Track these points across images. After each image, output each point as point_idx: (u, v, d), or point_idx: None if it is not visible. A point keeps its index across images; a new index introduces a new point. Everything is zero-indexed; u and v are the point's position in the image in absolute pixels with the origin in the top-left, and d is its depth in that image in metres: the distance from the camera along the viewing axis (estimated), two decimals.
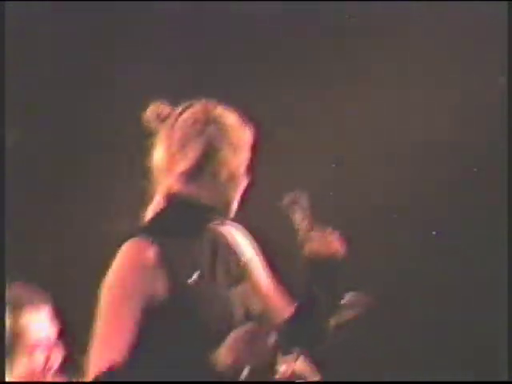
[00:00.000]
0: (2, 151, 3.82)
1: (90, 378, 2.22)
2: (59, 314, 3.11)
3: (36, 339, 3.19)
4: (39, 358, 3.36)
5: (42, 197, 4.24)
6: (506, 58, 5.73)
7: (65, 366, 3.43)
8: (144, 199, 2.41)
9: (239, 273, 2.38)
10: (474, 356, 4.42)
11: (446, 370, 4.33)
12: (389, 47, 5.69)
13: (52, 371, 3.61)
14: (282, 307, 2.39)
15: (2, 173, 3.75)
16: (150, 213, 2.37)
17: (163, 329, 2.24)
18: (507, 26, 5.79)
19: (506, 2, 6.09)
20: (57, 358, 3.23)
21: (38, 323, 3.16)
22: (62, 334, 3.21)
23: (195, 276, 2.24)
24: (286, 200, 2.43)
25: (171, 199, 2.34)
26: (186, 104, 2.36)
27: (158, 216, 2.34)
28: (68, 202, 4.20)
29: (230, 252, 2.40)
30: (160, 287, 2.22)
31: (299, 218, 2.38)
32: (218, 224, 2.37)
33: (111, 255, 2.27)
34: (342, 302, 2.45)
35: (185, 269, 2.25)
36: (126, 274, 2.24)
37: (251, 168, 2.40)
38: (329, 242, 2.33)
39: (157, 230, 2.29)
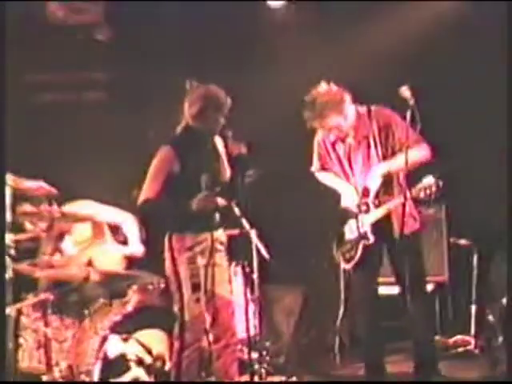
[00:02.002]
0: (2, 150, 5.32)
1: (138, 203, 5.15)
2: None
3: None
4: None
5: None
6: (506, 57, 6.28)
7: None
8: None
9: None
10: None
11: None
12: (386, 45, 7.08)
13: None
14: None
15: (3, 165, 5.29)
16: (176, 131, 5.26)
17: (174, 187, 5.09)
18: (507, 26, 6.16)
19: (505, 2, 6.28)
20: None
21: None
22: None
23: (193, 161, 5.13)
24: None
25: (185, 127, 5.23)
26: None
27: (177, 133, 5.26)
28: None
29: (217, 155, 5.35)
30: (175, 168, 5.10)
31: None
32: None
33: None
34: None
35: (189, 160, 5.12)
36: (160, 160, 5.17)
37: None
38: None
39: (176, 140, 5.22)
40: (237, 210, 5.13)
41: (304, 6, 7.27)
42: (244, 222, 5.12)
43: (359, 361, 6.25)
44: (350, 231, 5.86)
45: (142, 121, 6.98)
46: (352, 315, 6.27)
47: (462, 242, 6.80)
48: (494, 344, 6.25)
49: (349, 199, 5.90)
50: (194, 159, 5.24)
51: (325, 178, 6.09)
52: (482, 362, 6.34)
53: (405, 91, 5.40)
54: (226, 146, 5.39)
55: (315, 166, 6.10)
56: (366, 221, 5.73)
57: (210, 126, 5.32)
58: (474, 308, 6.87)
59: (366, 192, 5.74)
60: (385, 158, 5.78)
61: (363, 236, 5.76)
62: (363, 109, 5.82)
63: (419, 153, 5.66)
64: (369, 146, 5.81)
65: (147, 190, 5.25)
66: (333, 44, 7.15)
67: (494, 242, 6.66)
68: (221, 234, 5.35)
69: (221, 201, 5.23)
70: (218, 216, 5.31)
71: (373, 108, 5.85)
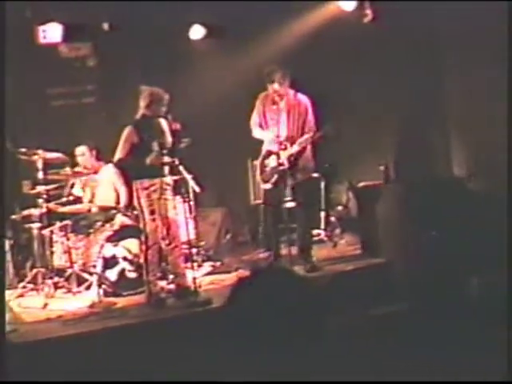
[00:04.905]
0: (2, 152, 6.37)
1: (114, 160, 7.50)
2: None
3: None
4: None
5: None
6: (507, 56, 6.61)
7: None
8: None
9: None
10: None
11: None
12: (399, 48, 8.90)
13: None
14: None
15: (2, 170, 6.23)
16: (135, 117, 7.54)
17: (135, 151, 7.32)
18: (507, 26, 6.21)
19: (505, 2, 6.00)
20: None
21: None
22: None
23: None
24: None
25: (141, 114, 7.53)
26: None
27: (136, 118, 7.47)
28: None
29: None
30: (135, 139, 7.31)
31: None
32: None
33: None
34: None
35: (143, 134, 7.33)
36: (125, 134, 7.35)
37: None
38: None
39: (135, 122, 7.42)
40: (177, 163, 7.22)
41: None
42: (182, 169, 7.35)
43: (261, 249, 8.95)
44: (271, 163, 7.99)
45: (118, 110, 9.41)
46: (264, 221, 8.63)
47: (314, 175, 9.03)
48: (335, 234, 9.68)
49: (268, 143, 8.07)
50: (147, 133, 7.24)
51: (255, 131, 8.19)
52: (327, 245, 9.52)
53: None
54: (168, 125, 7.33)
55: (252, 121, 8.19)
56: (284, 155, 7.90)
57: (155, 113, 7.30)
58: (323, 213, 9.80)
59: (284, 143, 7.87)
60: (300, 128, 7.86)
61: (280, 164, 7.86)
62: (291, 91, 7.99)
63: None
64: (294, 115, 7.85)
65: (119, 153, 7.34)
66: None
67: (331, 176, 9.54)
68: (168, 179, 7.34)
69: (167, 159, 7.17)
70: (166, 168, 7.29)
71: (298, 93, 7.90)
